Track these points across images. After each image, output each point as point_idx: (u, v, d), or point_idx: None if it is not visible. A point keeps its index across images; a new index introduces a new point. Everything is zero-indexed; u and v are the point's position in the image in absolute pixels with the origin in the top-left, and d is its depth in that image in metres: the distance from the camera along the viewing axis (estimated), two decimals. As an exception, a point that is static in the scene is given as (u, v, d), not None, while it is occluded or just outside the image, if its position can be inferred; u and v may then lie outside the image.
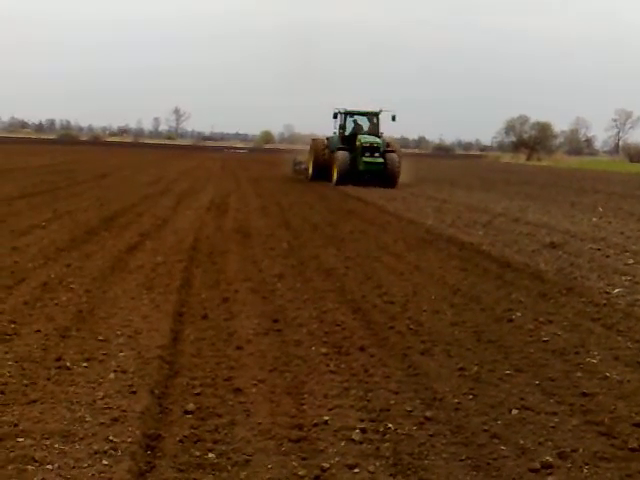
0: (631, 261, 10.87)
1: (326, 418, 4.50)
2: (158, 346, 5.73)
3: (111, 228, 12.52)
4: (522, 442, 4.25)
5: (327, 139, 29.38)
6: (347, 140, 28.19)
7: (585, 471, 3.92)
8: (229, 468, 3.83)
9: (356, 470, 3.86)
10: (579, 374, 5.52)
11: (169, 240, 11.46)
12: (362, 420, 4.52)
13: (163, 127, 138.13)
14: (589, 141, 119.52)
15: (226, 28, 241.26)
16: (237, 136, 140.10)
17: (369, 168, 27.09)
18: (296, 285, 8.46)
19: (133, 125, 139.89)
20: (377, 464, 3.95)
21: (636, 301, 7.95)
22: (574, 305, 7.81)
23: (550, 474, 3.87)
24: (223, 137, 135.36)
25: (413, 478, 3.81)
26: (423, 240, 12.72)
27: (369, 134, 28.27)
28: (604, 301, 7.98)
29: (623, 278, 9.43)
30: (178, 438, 4.15)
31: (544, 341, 6.37)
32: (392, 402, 4.83)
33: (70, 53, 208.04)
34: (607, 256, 11.35)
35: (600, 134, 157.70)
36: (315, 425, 4.41)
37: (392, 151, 27.96)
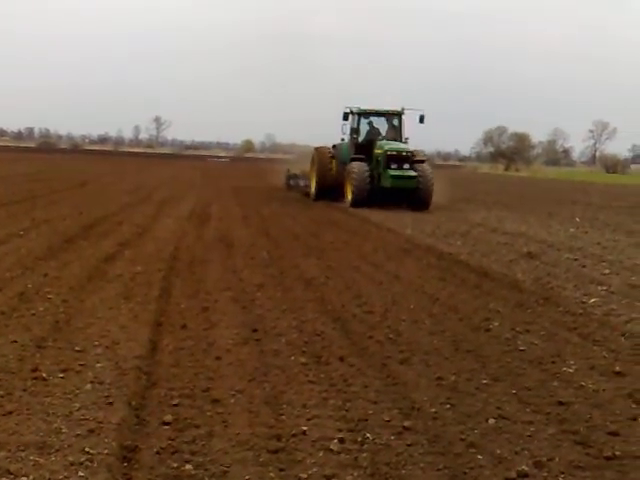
0: (607, 271, 11.01)
1: (304, 428, 4.50)
2: (136, 356, 5.69)
3: (90, 237, 12.43)
4: (499, 451, 4.28)
5: (333, 147, 23.63)
6: (361, 148, 22.45)
7: (561, 480, 3.96)
8: (206, 479, 3.82)
9: (334, 480, 3.87)
10: (555, 383, 5.58)
11: (148, 249, 11.40)
12: (340, 430, 4.53)
13: (143, 135, 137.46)
14: (567, 152, 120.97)
15: (209, 39, 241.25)
16: (218, 145, 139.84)
17: (398, 184, 20.97)
18: (276, 295, 8.46)
19: (113, 133, 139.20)
20: (355, 474, 3.96)
21: (612, 311, 8.05)
22: (551, 315, 7.90)
23: (526, 483, 3.90)
24: (204, 146, 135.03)
25: (391, 488, 3.83)
26: (403, 250, 12.79)
27: (390, 140, 22.41)
28: (580, 311, 8.08)
29: (599, 288, 9.55)
30: (155, 449, 4.12)
31: (521, 350, 6.43)
32: (370, 412, 4.85)
33: (52, 65, 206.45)
34: (584, 266, 11.49)
35: (577, 145, 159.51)
36: (293, 435, 4.41)
37: (422, 161, 22.10)
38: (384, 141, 22.23)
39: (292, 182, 28.31)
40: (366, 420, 4.71)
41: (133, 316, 7.04)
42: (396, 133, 23.09)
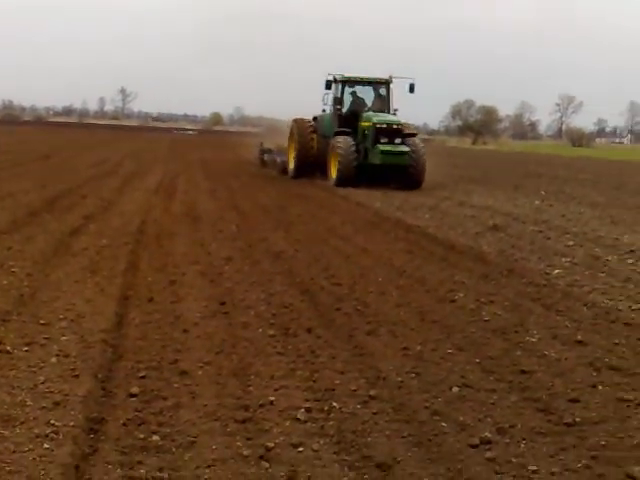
0: (571, 243, 11.22)
1: (272, 399, 4.53)
2: (102, 330, 5.66)
3: (54, 210, 12.23)
4: (462, 419, 4.37)
5: (314, 119, 21.53)
6: (345, 121, 20.36)
7: (522, 446, 4.05)
8: (173, 450, 3.83)
9: (300, 449, 3.91)
10: (518, 352, 5.69)
11: (115, 223, 11.27)
12: (307, 400, 4.58)
13: (109, 107, 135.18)
14: (533, 125, 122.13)
15: (177, 12, 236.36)
16: (186, 117, 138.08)
17: (389, 161, 19.09)
18: (244, 268, 8.45)
19: (78, 105, 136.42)
20: (321, 442, 4.01)
21: (575, 282, 8.22)
22: (515, 286, 8.03)
23: (489, 449, 3.98)
24: (171, 118, 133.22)
25: (356, 455, 3.89)
26: (371, 223, 12.85)
27: (376, 111, 20.54)
28: (544, 282, 8.23)
29: (563, 259, 9.73)
30: (122, 421, 4.12)
31: (485, 321, 6.54)
32: (337, 382, 4.90)
33: (16, 36, 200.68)
34: (548, 238, 11.69)
35: (544, 118, 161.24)
36: (261, 406, 4.44)
37: (412, 135, 20.30)
38: (371, 113, 20.28)
39: (267, 158, 25.75)
40: (333, 390, 4.76)
41: (99, 290, 6.98)
42: (383, 104, 20.99)
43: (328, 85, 20.72)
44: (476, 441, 4.06)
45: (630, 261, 9.79)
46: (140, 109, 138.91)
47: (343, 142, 19.32)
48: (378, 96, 21.31)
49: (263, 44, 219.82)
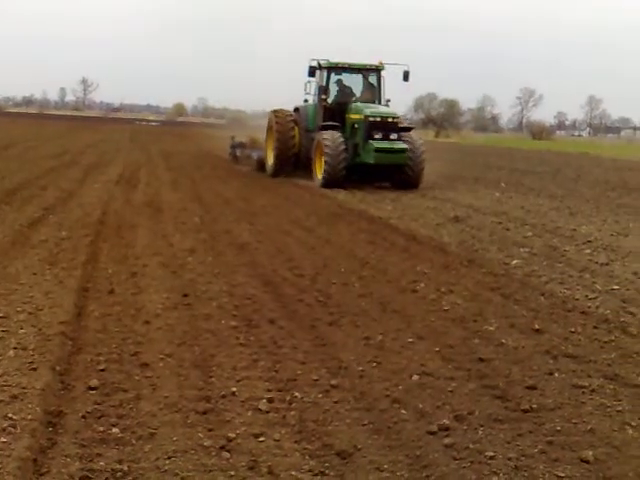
0: (530, 234, 11.42)
1: (234, 390, 4.54)
2: (61, 322, 5.58)
3: (13, 202, 11.99)
4: (421, 406, 4.44)
5: (296, 111, 19.37)
6: (331, 113, 18.21)
7: (480, 432, 4.14)
8: (133, 442, 3.82)
9: (262, 439, 3.93)
10: (477, 341, 5.79)
11: (75, 214, 11.11)
12: (269, 390, 4.60)
13: (70, 98, 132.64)
14: (495, 118, 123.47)
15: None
16: (148, 108, 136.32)
17: (384, 160, 16.93)
18: (207, 259, 8.42)
19: (38, 96, 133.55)
20: (282, 432, 4.04)
21: (533, 272, 8.37)
22: (474, 276, 8.16)
23: (447, 436, 4.06)
24: (133, 109, 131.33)
25: (317, 444, 3.92)
26: (334, 214, 12.89)
27: (365, 102, 18.28)
28: (503, 272, 8.37)
29: (521, 250, 9.91)
30: (81, 414, 4.09)
31: (445, 310, 6.63)
32: (299, 372, 4.93)
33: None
34: (507, 229, 11.88)
35: (505, 112, 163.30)
36: (222, 397, 4.45)
37: (408, 129, 18.26)
38: (361, 104, 18.05)
39: (239, 153, 23.65)
40: (295, 380, 4.79)
41: (58, 282, 6.88)
42: (374, 94, 18.68)
43: (311, 72, 18.48)
44: (435, 428, 4.13)
45: (587, 251, 10.01)
46: (102, 100, 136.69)
47: (331, 138, 16.96)
48: (368, 85, 18.95)
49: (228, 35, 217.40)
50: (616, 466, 3.79)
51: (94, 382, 4.52)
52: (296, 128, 18.88)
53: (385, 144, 16.94)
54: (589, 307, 6.90)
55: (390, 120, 17.33)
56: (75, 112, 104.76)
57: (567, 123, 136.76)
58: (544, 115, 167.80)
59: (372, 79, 18.95)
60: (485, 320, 6.36)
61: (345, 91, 19.09)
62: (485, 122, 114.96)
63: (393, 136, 17.12)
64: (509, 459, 3.82)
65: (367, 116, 17.15)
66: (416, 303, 6.86)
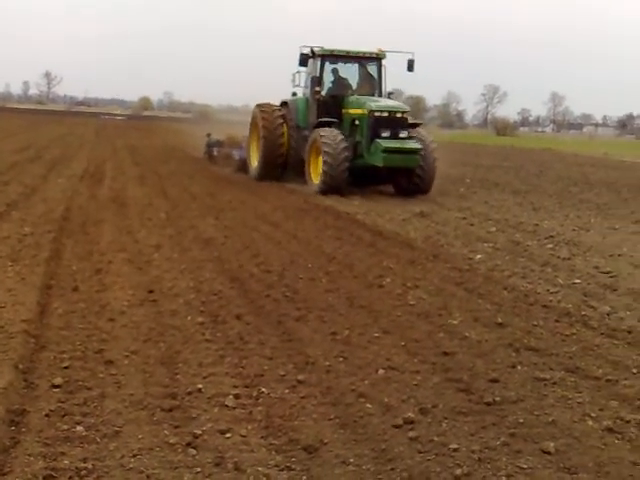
0: (493, 229, 11.59)
1: (200, 386, 4.53)
2: (23, 320, 5.49)
3: (-27, 197, 11.75)
4: (387, 400, 4.49)
5: (283, 105, 17.24)
6: (325, 108, 16.05)
7: (444, 425, 4.20)
8: (98, 440, 3.79)
9: (228, 435, 3.94)
10: (441, 335, 5.87)
11: (38, 210, 10.92)
12: (236, 386, 4.60)
13: (33, 91, 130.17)
14: (460, 115, 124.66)
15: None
16: (113, 102, 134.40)
17: (395, 162, 14.74)
18: (173, 255, 8.36)
19: (0, 89, 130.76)
20: (249, 428, 4.04)
21: (496, 266, 8.50)
22: (439, 270, 8.25)
23: (412, 429, 4.10)
24: (98, 103, 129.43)
25: (283, 439, 3.94)
26: (301, 210, 12.89)
27: (364, 94, 16.20)
28: (467, 266, 8.48)
29: (485, 245, 10.05)
30: (44, 412, 4.04)
31: (411, 305, 6.70)
32: (266, 368, 4.94)
33: None
34: (471, 224, 12.04)
35: (470, 108, 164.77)
36: (189, 393, 4.44)
37: (415, 125, 15.89)
38: (362, 96, 15.94)
39: (216, 152, 21.69)
40: (262, 376, 4.80)
41: (20, 279, 6.77)
42: (373, 85, 16.63)
43: (303, 60, 16.43)
44: (400, 421, 4.18)
45: (549, 246, 10.20)
46: (66, 93, 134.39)
47: (330, 136, 14.83)
48: (366, 75, 16.79)
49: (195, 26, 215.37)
50: (576, 456, 3.88)
51: (58, 380, 4.47)
52: (285, 125, 16.82)
53: (395, 143, 14.68)
54: (551, 301, 7.03)
55: (399, 115, 15.09)
56: (39, 106, 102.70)
57: (531, 119, 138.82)
58: (508, 111, 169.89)
59: (371, 69, 16.82)
60: (450, 314, 6.44)
61: (341, 82, 16.90)
62: (451, 118, 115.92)
63: (403, 134, 14.91)
64: (472, 451, 3.88)
65: (372, 110, 14.96)
66: (382, 298, 6.92)
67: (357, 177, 15.30)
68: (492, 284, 7.68)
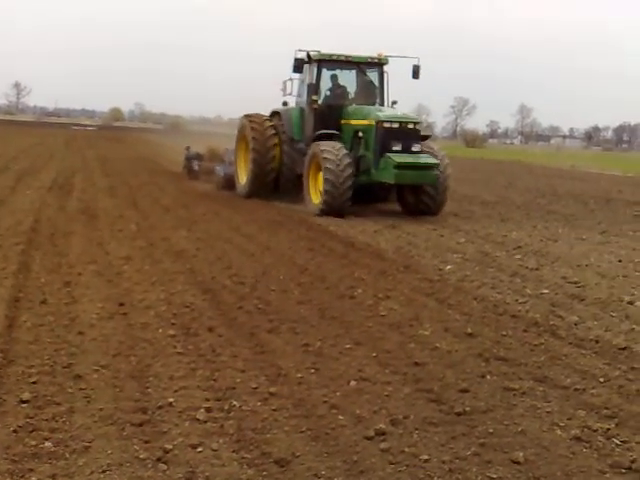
0: (462, 240, 11.72)
1: (171, 400, 4.50)
2: (-10, 334, 5.41)
3: (-62, 209, 11.54)
4: (358, 411, 4.50)
5: (274, 115, 16.09)
6: (323, 118, 14.88)
7: (415, 436, 4.22)
8: (67, 456, 3.74)
9: (200, 449, 3.91)
10: (412, 345, 5.91)
11: (6, 222, 10.77)
12: (208, 400, 4.57)
13: (2, 102, 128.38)
14: (430, 127, 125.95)
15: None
16: (84, 112, 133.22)
17: (409, 180, 13.57)
18: (144, 267, 8.30)
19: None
20: (220, 441, 4.02)
21: (465, 277, 8.58)
22: (410, 281, 8.31)
23: (383, 440, 4.12)
24: (69, 113, 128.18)
25: (255, 452, 3.93)
26: (274, 221, 12.89)
27: (363, 104, 14.96)
28: (437, 277, 8.55)
29: (455, 256, 10.15)
30: (12, 428, 3.97)
31: (382, 315, 6.74)
32: (238, 380, 4.92)
33: None
34: (442, 235, 12.15)
35: (439, 120, 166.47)
36: (159, 408, 4.40)
37: (425, 137, 14.81)
38: (366, 106, 14.73)
39: (196, 167, 20.38)
40: (234, 388, 4.78)
41: (-13, 292, 6.66)
42: (373, 94, 15.41)
43: (298, 66, 14.89)
44: (371, 433, 4.19)
45: (517, 256, 10.34)
46: (36, 104, 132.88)
47: (332, 150, 13.54)
48: (366, 83, 15.54)
49: (165, 40, 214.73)
50: (545, 466, 3.93)
51: (26, 395, 4.40)
52: (276, 137, 15.57)
53: (408, 158, 13.35)
54: (519, 311, 7.12)
55: (411, 126, 13.77)
56: (7, 116, 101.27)
57: (499, 131, 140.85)
58: (477, 123, 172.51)
59: (372, 75, 15.58)
60: (420, 325, 6.49)
61: (339, 90, 15.61)
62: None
63: (415, 147, 13.60)
64: (443, 462, 3.91)
65: (381, 121, 13.60)
66: (354, 309, 6.94)
67: (357, 195, 13.99)
68: (462, 294, 7.75)
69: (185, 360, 5.27)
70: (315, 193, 14.08)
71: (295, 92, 15.97)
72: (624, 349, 5.92)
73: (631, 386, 5.13)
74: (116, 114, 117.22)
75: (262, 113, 16.30)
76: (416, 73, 15.35)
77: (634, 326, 6.68)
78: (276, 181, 15.78)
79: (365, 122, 14.06)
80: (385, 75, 15.51)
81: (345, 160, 13.42)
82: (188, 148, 21.65)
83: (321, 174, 13.68)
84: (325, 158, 13.48)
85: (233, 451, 3.93)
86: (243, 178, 16.27)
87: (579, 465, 3.94)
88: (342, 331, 6.20)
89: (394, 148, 13.46)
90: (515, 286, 8.23)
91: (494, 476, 3.80)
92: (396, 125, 13.65)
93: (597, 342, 6.15)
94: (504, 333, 6.35)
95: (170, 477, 3.61)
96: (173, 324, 6.14)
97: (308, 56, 15.11)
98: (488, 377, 5.24)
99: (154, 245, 9.80)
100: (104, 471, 3.60)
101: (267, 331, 6.10)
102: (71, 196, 14.79)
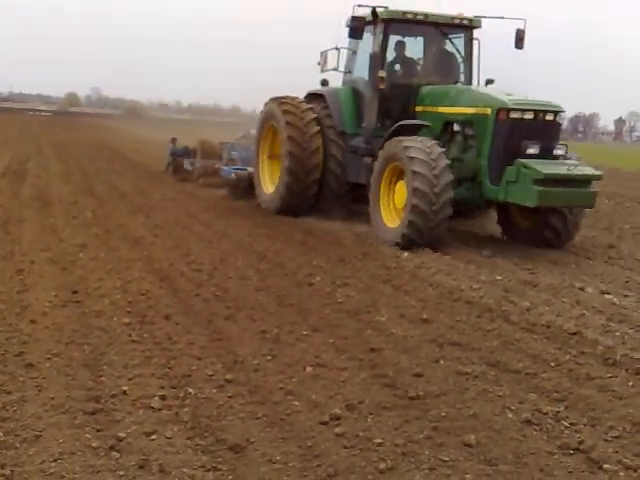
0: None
1: (125, 388, 4.46)
2: (-62, 323, 5.29)
3: None
4: (314, 397, 4.53)
5: (311, 97, 11.97)
6: (391, 103, 10.81)
7: (369, 420, 4.26)
8: (17, 445, 3.68)
9: (153, 437, 3.89)
10: (369, 331, 5.95)
11: (-45, 209, 10.50)
12: (163, 387, 4.55)
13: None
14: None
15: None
16: (39, 97, 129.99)
17: (561, 201, 9.02)
18: (100, 255, 8.19)
19: None
20: (175, 429, 4.01)
21: (422, 264, 8.66)
22: (368, 269, 8.36)
23: (338, 425, 4.15)
24: (24, 98, 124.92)
25: (210, 439, 3.92)
26: (232, 209, 12.82)
27: (437, 83, 10.71)
28: (394, 264, 8.61)
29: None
30: (-40, 418, 3.90)
31: (339, 302, 6.77)
32: (194, 368, 4.90)
33: None
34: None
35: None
36: (113, 396, 4.36)
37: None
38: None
39: (188, 165, 16.60)
40: (189, 376, 4.76)
41: (-64, 281, 6.50)
42: (455, 70, 11.22)
43: (357, 28, 10.70)
44: (326, 418, 4.23)
45: (472, 243, 10.45)
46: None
47: (423, 149, 9.25)
48: (445, 54, 11.33)
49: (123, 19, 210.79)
50: (496, 448, 4.00)
51: (-25, 385, 4.32)
52: (320, 132, 11.40)
53: (558, 168, 8.90)
54: (473, 297, 7.23)
55: (550, 118, 9.29)
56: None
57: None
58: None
59: (458, 43, 11.20)
60: (377, 311, 6.55)
61: (408, 65, 11.40)
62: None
63: (559, 150, 9.31)
64: (396, 445, 3.96)
65: (506, 109, 9.17)
66: (312, 296, 6.96)
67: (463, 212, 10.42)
68: (418, 281, 7.83)
69: (140, 348, 5.23)
70: (393, 213, 9.94)
71: (342, 67, 11.68)
72: (575, 334, 6.05)
73: (580, 370, 5.26)
74: (72, 99, 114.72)
75: (296, 96, 11.98)
76: (521, 40, 11.05)
77: (584, 311, 6.84)
78: (318, 191, 11.64)
79: (471, 110, 9.65)
80: (476, 43, 11.19)
81: (442, 162, 9.15)
82: (174, 140, 17.81)
83: (402, 184, 9.54)
84: (412, 158, 9.15)
85: (187, 438, 3.92)
86: (270, 187, 12.22)
87: (529, 447, 4.03)
88: (299, 318, 6.22)
89: (529, 151, 9.09)
90: (470, 272, 8.34)
91: (446, 459, 3.86)
92: (529, 116, 9.20)
93: (548, 327, 6.28)
94: (458, 319, 6.44)
95: (123, 465, 3.58)
96: (128, 312, 6.07)
97: (374, 13, 10.62)
98: (442, 362, 5.32)
99: (110, 232, 9.66)
100: (55, 460, 3.56)
101: (224, 318, 6.09)
102: (25, 182, 14.48)
